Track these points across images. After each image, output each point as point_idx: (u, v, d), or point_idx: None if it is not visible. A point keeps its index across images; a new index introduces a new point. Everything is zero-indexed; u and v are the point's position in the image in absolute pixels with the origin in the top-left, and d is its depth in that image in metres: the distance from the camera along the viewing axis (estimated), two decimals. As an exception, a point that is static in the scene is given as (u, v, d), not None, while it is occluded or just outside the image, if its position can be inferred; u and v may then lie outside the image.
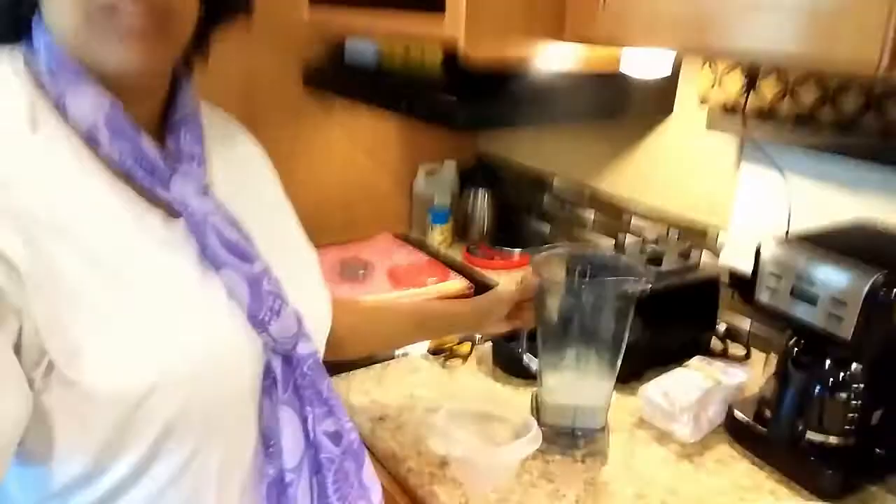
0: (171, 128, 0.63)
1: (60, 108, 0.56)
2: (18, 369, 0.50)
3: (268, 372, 0.62)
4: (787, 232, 0.98)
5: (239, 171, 0.71)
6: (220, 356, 0.58)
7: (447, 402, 0.96)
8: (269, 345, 0.61)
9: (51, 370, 0.51)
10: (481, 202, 1.79)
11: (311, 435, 0.64)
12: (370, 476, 0.70)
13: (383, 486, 1.00)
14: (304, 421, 0.63)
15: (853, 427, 0.91)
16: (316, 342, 0.66)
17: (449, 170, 1.83)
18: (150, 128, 0.61)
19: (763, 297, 0.95)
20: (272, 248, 0.64)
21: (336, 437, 0.65)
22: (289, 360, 0.62)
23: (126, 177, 0.58)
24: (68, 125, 0.56)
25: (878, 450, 0.93)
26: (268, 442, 0.62)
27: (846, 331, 0.85)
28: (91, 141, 0.57)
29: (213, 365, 0.57)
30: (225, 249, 0.59)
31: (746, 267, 1.18)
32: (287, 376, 0.62)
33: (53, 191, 0.54)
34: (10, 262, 0.49)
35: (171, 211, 0.60)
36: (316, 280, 0.74)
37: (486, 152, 1.88)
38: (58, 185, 0.54)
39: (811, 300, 0.88)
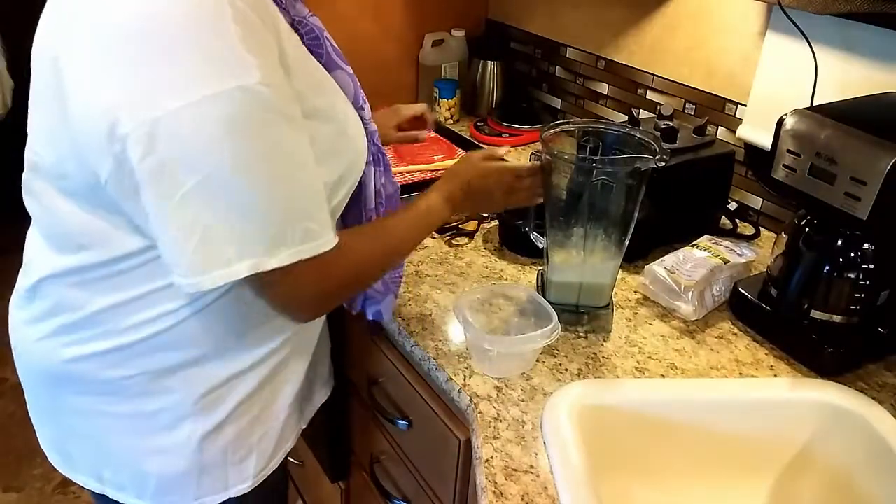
0: None
1: None
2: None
3: None
4: (811, 105, 0.94)
5: None
6: (362, 139, 0.80)
7: (454, 287, 0.96)
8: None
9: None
10: (490, 74, 1.72)
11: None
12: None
13: (391, 362, 1.03)
14: (373, 175, 0.85)
15: (858, 307, 0.91)
16: None
17: (457, 39, 1.75)
18: None
19: (779, 174, 0.92)
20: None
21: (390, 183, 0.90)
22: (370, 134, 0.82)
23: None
24: None
25: (880, 329, 0.93)
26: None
27: (863, 211, 0.83)
28: None
29: (363, 149, 0.80)
30: (335, 55, 0.78)
31: (763, 142, 1.14)
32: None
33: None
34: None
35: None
36: None
37: (496, 20, 1.78)
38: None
39: (829, 178, 0.85)
